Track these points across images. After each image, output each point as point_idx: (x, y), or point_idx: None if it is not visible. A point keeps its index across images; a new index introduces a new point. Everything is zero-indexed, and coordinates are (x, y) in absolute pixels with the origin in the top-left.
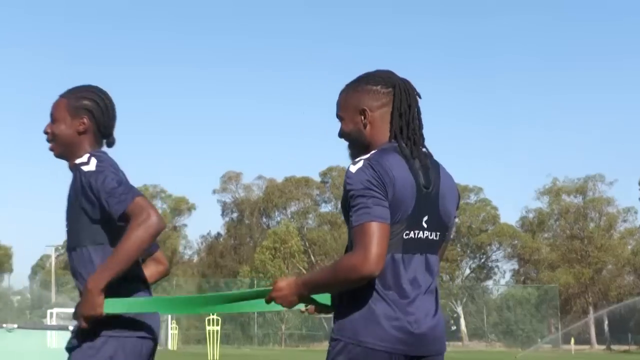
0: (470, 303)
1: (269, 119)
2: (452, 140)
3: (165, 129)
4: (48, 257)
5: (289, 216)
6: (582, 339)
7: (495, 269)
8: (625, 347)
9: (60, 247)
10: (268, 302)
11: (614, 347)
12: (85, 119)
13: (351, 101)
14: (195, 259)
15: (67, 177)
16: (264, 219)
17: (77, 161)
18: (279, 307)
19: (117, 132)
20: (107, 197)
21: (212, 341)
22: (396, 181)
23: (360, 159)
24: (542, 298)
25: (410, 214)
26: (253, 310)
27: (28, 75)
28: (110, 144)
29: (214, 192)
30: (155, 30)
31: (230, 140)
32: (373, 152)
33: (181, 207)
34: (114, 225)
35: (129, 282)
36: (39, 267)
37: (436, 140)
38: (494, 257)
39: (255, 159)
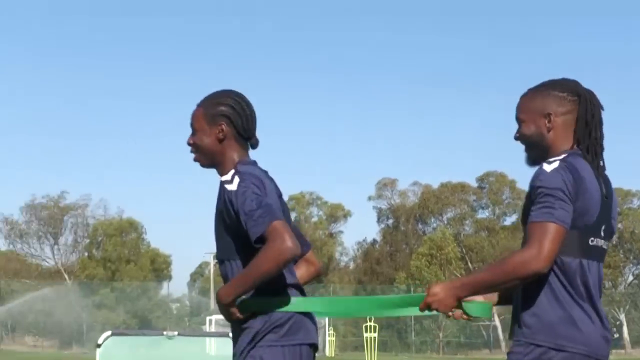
0: (633, 310)
1: (423, 125)
2: (613, 144)
3: (321, 137)
4: (207, 264)
5: (445, 222)
6: (616, 345)
7: None
8: None
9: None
10: (422, 309)
11: None
12: (222, 125)
13: (535, 105)
14: (352, 265)
15: None
16: (420, 225)
17: (222, 179)
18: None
19: (270, 138)
20: (246, 218)
21: (369, 348)
22: (587, 188)
23: (556, 160)
24: None
25: (594, 222)
26: (408, 315)
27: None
28: (254, 145)
29: (370, 198)
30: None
31: (385, 147)
32: (565, 155)
33: (337, 213)
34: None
35: (281, 289)
36: (197, 275)
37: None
38: None
39: (410, 165)
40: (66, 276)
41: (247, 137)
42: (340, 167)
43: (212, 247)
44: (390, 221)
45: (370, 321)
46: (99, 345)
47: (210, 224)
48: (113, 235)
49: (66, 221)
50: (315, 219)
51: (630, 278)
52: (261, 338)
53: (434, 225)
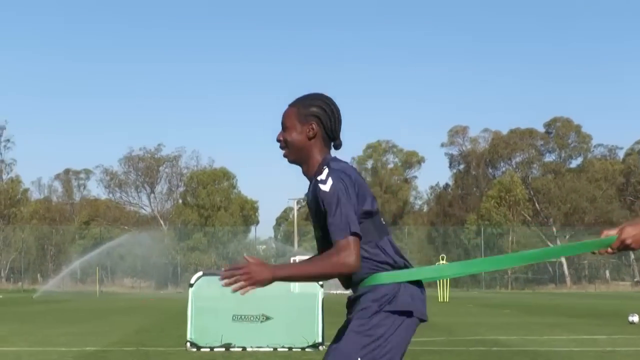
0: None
1: (492, 74)
2: None
3: (398, 89)
4: (291, 209)
5: (514, 166)
6: None
7: None
8: None
9: (302, 200)
10: (618, 248)
11: None
12: (313, 124)
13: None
14: (425, 208)
15: None
16: (490, 170)
17: (318, 177)
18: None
19: (352, 91)
20: (329, 220)
21: (441, 285)
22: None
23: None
24: None
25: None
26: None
27: None
28: (337, 146)
29: (442, 145)
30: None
31: (456, 96)
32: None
33: (412, 160)
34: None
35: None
36: (282, 219)
37: None
38: None
39: (481, 113)
40: (162, 222)
41: (332, 137)
42: (414, 116)
43: (296, 193)
44: (462, 166)
45: (442, 260)
46: (191, 285)
47: (295, 171)
48: (207, 183)
49: (161, 171)
50: (391, 166)
51: None
52: (376, 305)
53: (503, 169)
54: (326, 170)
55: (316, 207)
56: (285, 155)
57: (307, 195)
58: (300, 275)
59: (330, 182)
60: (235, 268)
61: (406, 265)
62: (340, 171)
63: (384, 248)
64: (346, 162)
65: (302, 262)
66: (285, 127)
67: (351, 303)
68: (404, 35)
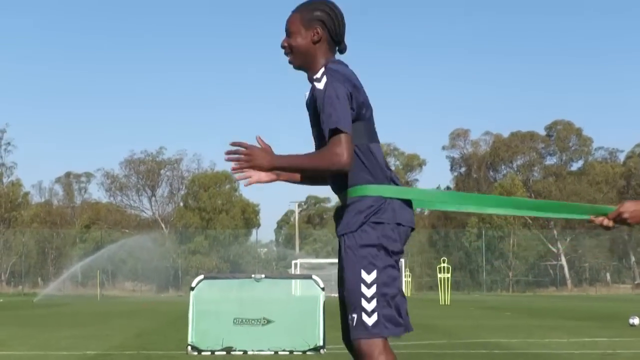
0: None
1: (492, 75)
2: None
3: (399, 92)
4: (292, 212)
5: (515, 169)
6: None
7: None
8: None
9: (302, 203)
10: (615, 219)
11: None
12: (318, 28)
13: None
14: (426, 212)
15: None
16: (491, 173)
17: (314, 77)
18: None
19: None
20: (323, 118)
21: (443, 288)
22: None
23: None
24: None
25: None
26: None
27: None
28: (342, 50)
29: (443, 148)
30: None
31: (458, 99)
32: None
33: (413, 163)
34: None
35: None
36: (283, 222)
37: None
38: None
39: (482, 116)
40: (163, 225)
41: (337, 41)
42: (415, 119)
43: (297, 196)
44: (463, 169)
45: (443, 263)
46: (192, 288)
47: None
48: (209, 186)
49: (163, 175)
50: (392, 168)
51: None
52: (365, 217)
53: (504, 172)
54: (322, 69)
55: (314, 106)
56: (290, 62)
57: (306, 96)
58: (297, 166)
59: (324, 80)
60: (241, 145)
61: (392, 179)
62: (335, 71)
63: (374, 153)
64: (346, 65)
65: (300, 154)
66: (289, 33)
67: (338, 214)
68: (405, 37)
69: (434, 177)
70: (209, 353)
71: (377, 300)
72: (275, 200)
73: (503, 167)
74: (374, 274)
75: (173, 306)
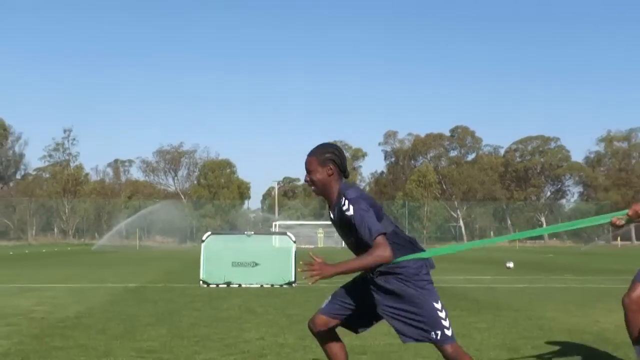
0: (549, 214)
1: (414, 90)
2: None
3: (350, 100)
4: (273, 188)
5: (428, 159)
6: (625, 237)
7: (568, 192)
8: None
9: (280, 182)
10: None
11: None
12: (331, 166)
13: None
14: (367, 189)
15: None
16: (412, 162)
17: (343, 208)
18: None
19: (314, 102)
20: (362, 232)
21: None
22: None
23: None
24: (599, 211)
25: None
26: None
27: None
28: (347, 177)
29: (379, 144)
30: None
31: (390, 107)
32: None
33: (358, 155)
34: None
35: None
36: (267, 195)
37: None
38: (567, 184)
39: (406, 120)
40: (182, 197)
41: (343, 171)
42: (360, 122)
43: (278, 176)
44: (393, 159)
45: None
46: (203, 241)
47: (277, 157)
48: (215, 170)
49: (182, 161)
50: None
51: (548, 193)
52: (414, 279)
53: (421, 161)
54: (346, 201)
55: (345, 225)
56: (313, 190)
57: (331, 214)
58: (353, 271)
59: (351, 207)
60: (310, 264)
61: (411, 241)
62: (353, 198)
63: (398, 233)
64: (358, 187)
65: (353, 259)
66: (310, 171)
67: (373, 279)
68: (346, 49)
69: (373, 165)
70: (215, 286)
71: (447, 319)
72: (261, 179)
73: (420, 158)
74: (440, 303)
75: (189, 254)
